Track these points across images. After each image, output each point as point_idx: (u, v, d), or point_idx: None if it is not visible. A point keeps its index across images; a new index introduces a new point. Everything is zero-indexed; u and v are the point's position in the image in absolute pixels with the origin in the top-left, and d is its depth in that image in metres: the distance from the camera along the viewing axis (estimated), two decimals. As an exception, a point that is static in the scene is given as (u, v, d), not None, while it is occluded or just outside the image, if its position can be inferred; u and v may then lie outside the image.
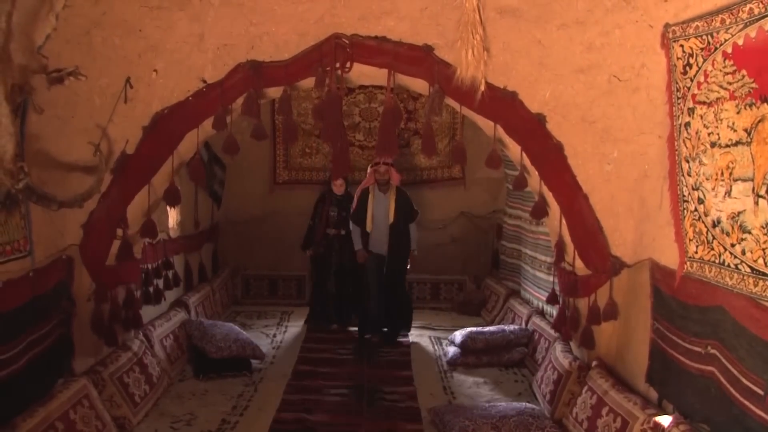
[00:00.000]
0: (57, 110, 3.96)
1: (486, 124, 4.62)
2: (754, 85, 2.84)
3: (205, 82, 4.39)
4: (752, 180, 2.89)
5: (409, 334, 7.61)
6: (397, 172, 7.38)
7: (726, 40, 2.99)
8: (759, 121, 2.81)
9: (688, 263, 3.53)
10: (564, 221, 4.64)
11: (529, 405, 4.95)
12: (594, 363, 4.71)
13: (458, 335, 6.56)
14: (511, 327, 6.73)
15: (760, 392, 2.89)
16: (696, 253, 3.43)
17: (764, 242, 2.83)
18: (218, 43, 4.26)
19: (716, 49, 3.07)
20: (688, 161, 3.46)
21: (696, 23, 3.20)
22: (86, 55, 4.00)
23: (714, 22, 3.05)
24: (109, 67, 4.15)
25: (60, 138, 4.09)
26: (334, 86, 4.38)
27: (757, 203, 2.86)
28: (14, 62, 3.40)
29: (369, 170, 7.40)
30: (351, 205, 7.57)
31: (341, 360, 6.56)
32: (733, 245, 3.08)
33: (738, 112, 2.96)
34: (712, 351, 3.32)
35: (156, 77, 4.29)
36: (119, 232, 4.61)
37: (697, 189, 3.37)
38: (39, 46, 3.71)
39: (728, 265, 3.13)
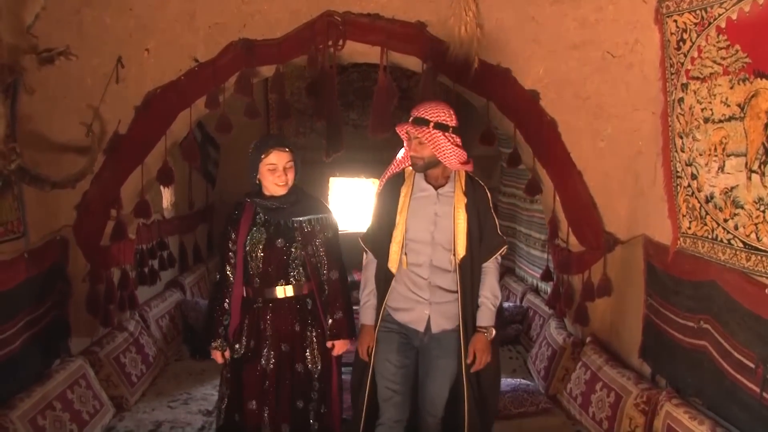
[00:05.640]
0: (48, 91, 3.93)
1: (479, 101, 4.61)
2: (747, 60, 2.84)
3: (197, 61, 4.35)
4: (745, 155, 2.90)
5: None
6: (458, 145, 3.58)
7: (720, 15, 2.98)
8: (752, 96, 2.81)
9: (681, 239, 3.55)
10: (558, 198, 4.64)
11: (523, 381, 4.99)
12: (588, 339, 4.75)
13: (453, 313, 6.56)
14: (506, 304, 6.72)
15: (752, 365, 2.93)
16: (689, 228, 3.45)
17: (756, 217, 2.85)
18: (210, 21, 4.22)
19: (710, 24, 3.06)
20: (681, 137, 3.46)
21: (690, -2, 3.19)
22: (76, 34, 3.96)
23: (708, -4, 3.04)
24: (100, 46, 4.11)
25: (52, 118, 4.06)
26: (327, 64, 4.35)
27: (749, 178, 2.87)
28: (3, 42, 3.37)
29: (405, 141, 3.51)
30: (305, 223, 3.56)
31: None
32: (725, 220, 3.09)
33: (731, 87, 2.96)
34: (705, 326, 3.35)
35: (147, 56, 4.25)
36: (113, 212, 4.59)
37: (691, 165, 3.38)
38: (28, 25, 3.67)
39: (721, 240, 3.15)
